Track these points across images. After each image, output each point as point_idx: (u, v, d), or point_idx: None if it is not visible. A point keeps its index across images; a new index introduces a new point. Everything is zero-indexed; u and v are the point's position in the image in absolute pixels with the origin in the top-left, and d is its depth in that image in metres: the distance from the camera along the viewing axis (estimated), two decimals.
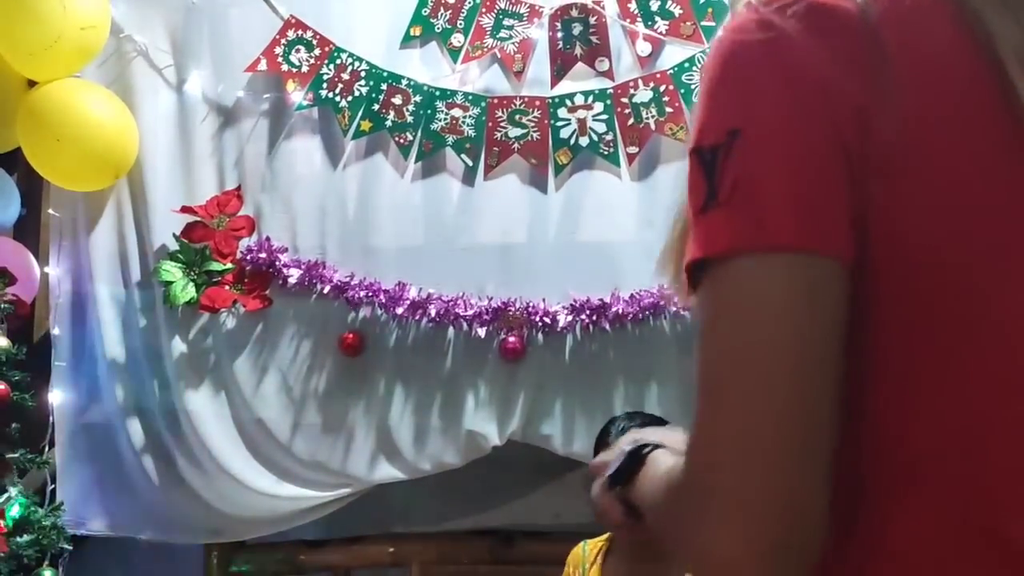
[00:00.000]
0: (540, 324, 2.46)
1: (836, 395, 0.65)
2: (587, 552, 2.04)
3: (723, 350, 0.66)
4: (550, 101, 2.49)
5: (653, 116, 2.45)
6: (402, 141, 2.54)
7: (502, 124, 2.50)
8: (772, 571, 0.63)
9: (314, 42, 2.56)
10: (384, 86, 2.53)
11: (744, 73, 0.69)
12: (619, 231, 2.48)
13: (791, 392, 0.64)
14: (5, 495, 2.43)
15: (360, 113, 2.54)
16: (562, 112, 2.48)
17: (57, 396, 2.65)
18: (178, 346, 2.61)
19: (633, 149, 2.47)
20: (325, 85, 2.55)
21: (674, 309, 2.41)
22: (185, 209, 2.58)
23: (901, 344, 0.68)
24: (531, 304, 2.47)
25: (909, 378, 0.68)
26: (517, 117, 2.50)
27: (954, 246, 0.67)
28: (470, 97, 2.51)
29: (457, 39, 2.55)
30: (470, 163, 2.52)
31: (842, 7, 0.68)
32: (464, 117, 2.52)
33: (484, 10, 2.53)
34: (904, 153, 0.67)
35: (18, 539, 2.38)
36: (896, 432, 0.68)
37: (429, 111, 2.52)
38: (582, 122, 2.48)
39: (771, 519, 0.62)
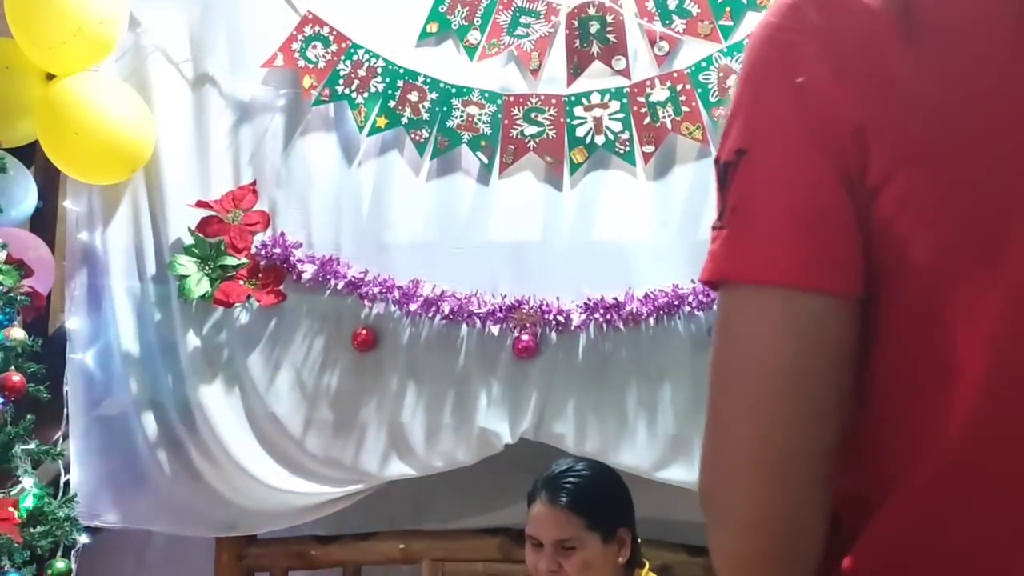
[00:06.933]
0: (553, 322, 2.45)
1: (829, 417, 0.67)
2: None
3: (716, 375, 0.69)
4: (566, 99, 2.48)
5: (669, 115, 2.44)
6: (418, 138, 2.54)
7: (518, 122, 2.50)
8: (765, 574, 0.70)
9: (331, 38, 2.56)
10: (400, 83, 2.53)
11: (760, 82, 0.69)
12: (634, 230, 2.47)
13: (773, 417, 0.66)
14: (19, 486, 2.44)
15: (376, 110, 2.54)
16: (578, 110, 2.47)
17: (72, 388, 2.66)
18: (192, 340, 2.61)
19: (649, 148, 2.46)
20: (341, 81, 2.55)
21: (688, 309, 2.40)
22: (200, 203, 2.59)
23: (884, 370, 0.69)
24: (545, 302, 2.46)
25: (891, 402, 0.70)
26: (533, 115, 2.49)
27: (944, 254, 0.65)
28: (486, 95, 2.51)
29: (474, 36, 2.54)
30: (485, 161, 2.52)
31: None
32: (480, 115, 2.51)
33: (501, 7, 2.53)
34: (914, 155, 0.65)
35: (32, 530, 2.39)
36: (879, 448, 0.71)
37: (445, 108, 2.52)
38: (598, 121, 2.47)
39: (757, 531, 0.68)
